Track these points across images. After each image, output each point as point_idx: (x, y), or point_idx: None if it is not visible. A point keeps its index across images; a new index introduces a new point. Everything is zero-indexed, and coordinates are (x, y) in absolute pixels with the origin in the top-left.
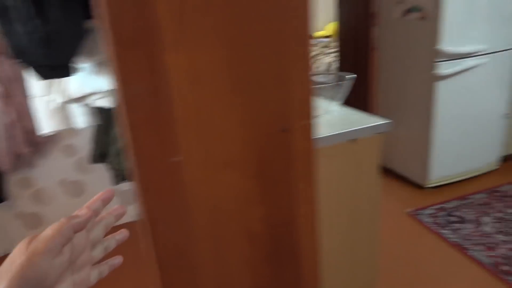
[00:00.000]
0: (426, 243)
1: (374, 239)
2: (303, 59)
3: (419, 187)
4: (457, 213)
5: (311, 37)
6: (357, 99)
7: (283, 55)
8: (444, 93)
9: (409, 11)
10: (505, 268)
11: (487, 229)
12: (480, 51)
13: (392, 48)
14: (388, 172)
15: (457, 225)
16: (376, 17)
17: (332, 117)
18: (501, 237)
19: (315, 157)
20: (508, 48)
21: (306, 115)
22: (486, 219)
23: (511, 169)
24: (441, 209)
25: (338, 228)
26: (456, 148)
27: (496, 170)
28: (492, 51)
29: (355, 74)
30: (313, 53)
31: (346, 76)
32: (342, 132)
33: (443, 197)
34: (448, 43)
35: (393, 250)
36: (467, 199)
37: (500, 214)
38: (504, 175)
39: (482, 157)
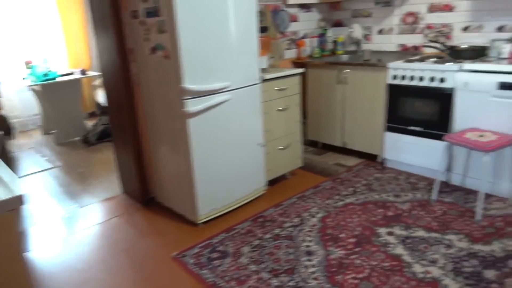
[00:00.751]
0: None
1: None
2: None
3: (192, 224)
4: (221, 248)
5: None
6: (126, 135)
7: None
8: (198, 129)
9: (155, 49)
10: None
11: (244, 260)
12: (224, 88)
13: (150, 85)
14: (166, 211)
15: (217, 262)
16: (133, 53)
17: None
18: (253, 267)
19: None
20: (249, 84)
21: None
22: (245, 249)
23: (275, 192)
24: (208, 245)
25: None
26: (221, 180)
27: (263, 195)
28: (235, 87)
29: (121, 109)
30: None
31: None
32: None
33: (212, 232)
34: (191, 82)
35: None
36: (233, 230)
37: (258, 242)
38: (269, 199)
39: (249, 184)
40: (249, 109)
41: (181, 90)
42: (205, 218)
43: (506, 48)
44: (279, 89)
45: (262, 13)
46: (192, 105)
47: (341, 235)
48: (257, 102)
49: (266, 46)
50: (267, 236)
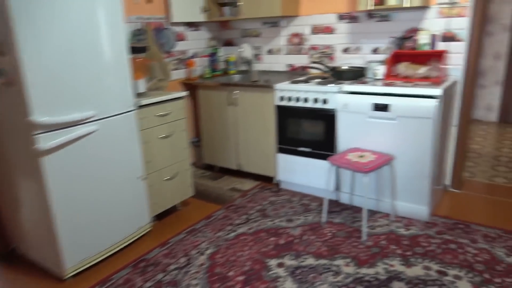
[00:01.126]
0: None
1: None
2: None
3: (59, 279)
4: None
5: None
6: None
7: None
8: (56, 167)
9: None
10: None
11: None
12: (88, 118)
13: None
14: (29, 265)
15: None
16: None
17: None
18: None
19: None
20: (121, 112)
21: None
22: None
23: (163, 228)
24: None
25: None
26: (92, 223)
27: (148, 232)
28: (103, 117)
29: None
30: None
31: None
32: None
33: (83, 287)
34: (42, 113)
35: None
36: (109, 281)
37: None
38: (155, 237)
39: (129, 224)
40: (124, 139)
41: (29, 123)
42: (74, 270)
43: (379, 70)
44: (160, 115)
45: (143, 32)
46: (46, 141)
47: (229, 273)
48: (133, 131)
49: (144, 68)
50: (148, 284)
